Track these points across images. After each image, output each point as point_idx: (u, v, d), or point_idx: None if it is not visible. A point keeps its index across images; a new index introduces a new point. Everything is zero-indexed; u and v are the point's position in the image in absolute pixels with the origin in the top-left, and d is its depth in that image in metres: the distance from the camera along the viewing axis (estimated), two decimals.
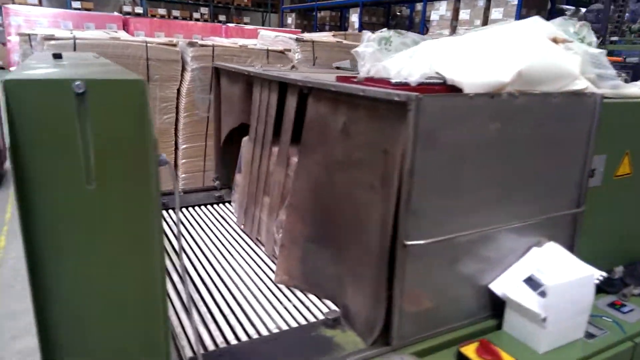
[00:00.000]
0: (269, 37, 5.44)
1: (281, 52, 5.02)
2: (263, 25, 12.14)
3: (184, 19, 11.37)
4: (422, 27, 10.06)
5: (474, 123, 1.42)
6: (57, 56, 1.67)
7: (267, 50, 4.93)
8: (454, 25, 9.52)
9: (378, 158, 1.45)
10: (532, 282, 1.60)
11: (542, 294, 1.56)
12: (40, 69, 1.16)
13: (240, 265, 2.03)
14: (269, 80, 2.10)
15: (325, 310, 1.69)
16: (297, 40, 5.02)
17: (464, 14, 9.35)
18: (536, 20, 1.65)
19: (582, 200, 1.74)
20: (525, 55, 1.49)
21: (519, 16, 8.64)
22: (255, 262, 2.07)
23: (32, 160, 0.93)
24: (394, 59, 1.62)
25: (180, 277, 1.88)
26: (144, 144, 1.01)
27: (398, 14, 11.37)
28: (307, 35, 5.41)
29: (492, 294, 1.64)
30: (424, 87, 1.42)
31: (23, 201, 0.93)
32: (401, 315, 1.44)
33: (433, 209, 1.41)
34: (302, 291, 1.82)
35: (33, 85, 0.91)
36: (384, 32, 2.52)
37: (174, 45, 4.65)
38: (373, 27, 11.08)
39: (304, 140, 1.78)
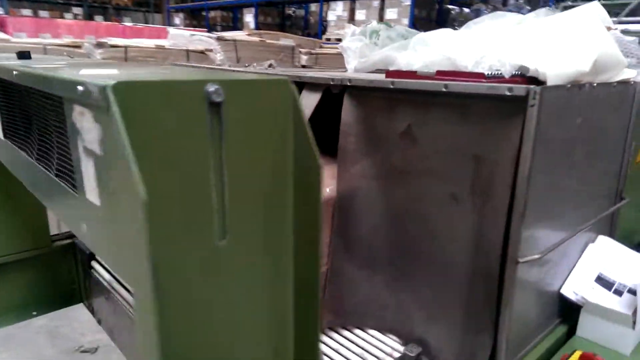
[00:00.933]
0: (183, 37, 4.94)
1: (202, 52, 4.59)
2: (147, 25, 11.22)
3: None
4: (319, 27, 10.07)
5: (567, 117, 1.29)
6: (23, 55, 1.21)
7: (187, 51, 4.48)
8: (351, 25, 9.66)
9: (464, 165, 1.25)
10: (603, 282, 1.52)
11: (618, 293, 1.49)
12: (92, 69, 0.76)
13: None
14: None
15: (384, 345, 1.46)
16: (219, 39, 4.62)
17: (360, 14, 9.52)
18: (595, 7, 1.57)
19: (622, 190, 1.71)
20: (596, 43, 1.40)
21: (413, 16, 9.04)
22: None
23: (164, 209, 0.57)
24: (460, 49, 1.42)
25: None
26: (307, 174, 0.69)
27: (292, 14, 11.25)
28: (228, 34, 5.02)
29: (560, 299, 1.54)
30: (514, 79, 1.25)
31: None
32: (508, 342, 1.26)
33: (540, 218, 1.25)
34: (347, 328, 1.55)
35: (155, 91, 0.56)
36: (374, 25, 2.33)
37: (78, 46, 3.99)
38: (268, 28, 10.82)
39: (342, 149, 1.52)
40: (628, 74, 1.57)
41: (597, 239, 1.65)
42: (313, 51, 5.27)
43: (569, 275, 1.55)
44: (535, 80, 1.31)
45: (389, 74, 1.45)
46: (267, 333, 0.76)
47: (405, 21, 9.04)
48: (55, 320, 3.09)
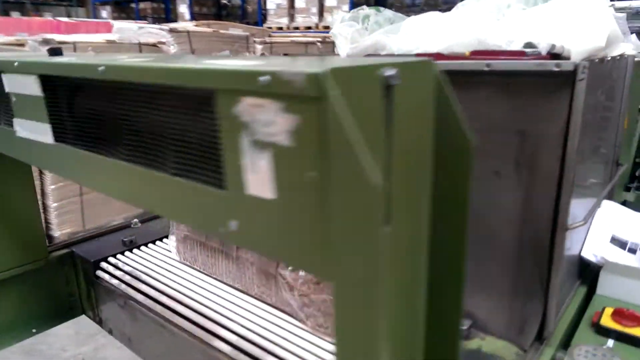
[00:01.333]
0: (130, 30, 4.67)
1: (154, 45, 4.39)
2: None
3: None
4: (259, 15, 9.92)
5: (596, 89, 1.38)
6: (55, 52, 1.11)
7: (139, 44, 4.26)
8: (291, 13, 9.58)
9: (507, 141, 1.31)
10: (617, 242, 1.65)
11: (632, 251, 1.62)
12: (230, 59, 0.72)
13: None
14: None
15: None
16: (171, 30, 4.42)
17: (299, 2, 9.46)
18: None
19: (618, 156, 1.86)
20: (606, 20, 1.49)
21: (352, 3, 9.15)
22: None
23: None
24: (489, 29, 1.46)
25: None
26: (457, 154, 0.70)
27: (228, 3, 10.98)
28: (180, 25, 4.81)
29: (580, 261, 1.65)
30: (545, 56, 1.32)
31: None
32: (557, 307, 1.34)
33: (581, 186, 1.33)
34: None
35: (356, 77, 0.54)
36: (365, 10, 2.34)
37: (22, 44, 3.67)
38: (204, 18, 10.49)
39: None
40: (624, 48, 1.69)
41: (603, 203, 1.78)
42: (267, 40, 5.19)
43: (585, 238, 1.66)
44: (558, 57, 1.39)
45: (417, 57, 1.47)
46: (405, 326, 0.76)
47: (345, 8, 9.13)
48: (31, 338, 2.86)
